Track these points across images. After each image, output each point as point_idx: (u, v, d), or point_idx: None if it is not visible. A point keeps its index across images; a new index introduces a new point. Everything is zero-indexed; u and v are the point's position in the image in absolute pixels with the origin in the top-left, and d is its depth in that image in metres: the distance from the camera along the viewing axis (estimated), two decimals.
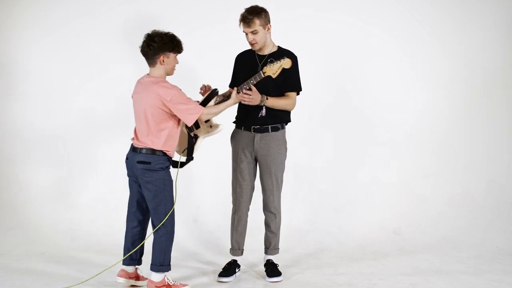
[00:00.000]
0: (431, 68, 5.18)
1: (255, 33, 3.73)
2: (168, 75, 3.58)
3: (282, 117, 3.90)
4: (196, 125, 3.74)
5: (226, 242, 4.14)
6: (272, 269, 3.93)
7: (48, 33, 5.05)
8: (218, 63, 4.66)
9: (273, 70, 3.59)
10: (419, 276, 3.95)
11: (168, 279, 3.61)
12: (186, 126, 3.76)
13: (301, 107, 5.10)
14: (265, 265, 4.00)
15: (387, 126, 5.18)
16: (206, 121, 3.71)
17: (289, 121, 3.97)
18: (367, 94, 5.16)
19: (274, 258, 4.02)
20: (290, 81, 3.83)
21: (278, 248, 4.05)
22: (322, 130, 5.17)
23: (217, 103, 3.71)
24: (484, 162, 5.18)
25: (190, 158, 3.75)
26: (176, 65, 3.59)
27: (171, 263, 3.59)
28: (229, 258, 4.04)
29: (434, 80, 5.19)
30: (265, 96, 3.72)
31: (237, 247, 4.01)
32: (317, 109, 5.14)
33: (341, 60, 5.14)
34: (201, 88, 3.87)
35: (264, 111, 3.79)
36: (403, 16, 5.16)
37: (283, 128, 3.94)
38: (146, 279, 3.71)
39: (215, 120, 3.73)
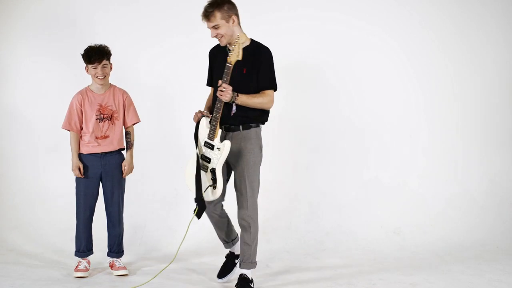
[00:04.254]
0: (431, 68, 5.18)
1: (217, 28, 3.44)
2: (96, 83, 4.00)
3: (256, 118, 3.54)
4: (207, 159, 3.52)
5: None
6: (241, 286, 3.54)
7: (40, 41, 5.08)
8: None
9: (234, 54, 3.35)
10: (419, 276, 3.95)
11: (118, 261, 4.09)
12: (200, 166, 3.54)
13: (301, 106, 5.13)
14: (238, 279, 3.59)
15: (387, 126, 5.17)
16: (212, 148, 3.49)
17: (265, 121, 3.63)
18: (367, 94, 5.16)
19: (249, 272, 3.61)
20: (263, 78, 3.48)
21: (255, 262, 3.63)
22: (322, 130, 5.16)
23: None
24: (484, 162, 5.18)
25: (202, 206, 3.54)
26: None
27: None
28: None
29: (434, 80, 5.18)
30: (236, 93, 3.39)
31: (226, 240, 3.81)
32: (318, 109, 5.14)
33: (342, 60, 5.14)
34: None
35: (234, 108, 3.47)
36: (403, 17, 5.15)
37: (257, 126, 3.58)
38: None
39: (217, 141, 3.50)
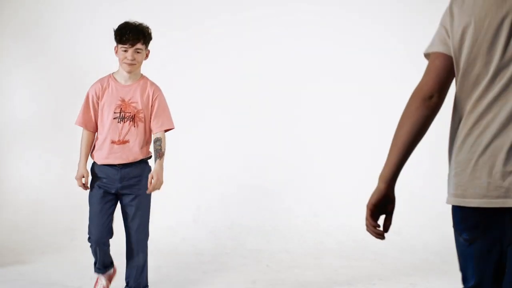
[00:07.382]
0: None
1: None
2: (123, 69, 3.21)
3: None
4: None
5: (226, 242, 4.14)
6: None
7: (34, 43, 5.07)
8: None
9: None
10: (419, 276, 3.94)
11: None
12: None
13: (301, 106, 5.13)
14: None
15: (387, 126, 5.16)
16: None
17: None
18: (367, 93, 5.16)
19: None
20: None
21: None
22: (322, 130, 5.16)
23: None
24: None
25: None
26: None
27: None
28: (226, 257, 3.98)
29: None
30: None
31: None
32: (317, 109, 5.14)
33: (342, 59, 5.14)
34: None
35: None
36: (404, 17, 5.16)
37: None
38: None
39: None
